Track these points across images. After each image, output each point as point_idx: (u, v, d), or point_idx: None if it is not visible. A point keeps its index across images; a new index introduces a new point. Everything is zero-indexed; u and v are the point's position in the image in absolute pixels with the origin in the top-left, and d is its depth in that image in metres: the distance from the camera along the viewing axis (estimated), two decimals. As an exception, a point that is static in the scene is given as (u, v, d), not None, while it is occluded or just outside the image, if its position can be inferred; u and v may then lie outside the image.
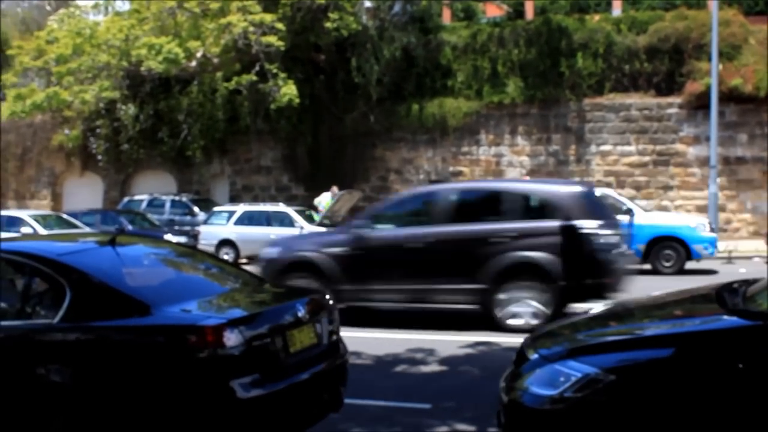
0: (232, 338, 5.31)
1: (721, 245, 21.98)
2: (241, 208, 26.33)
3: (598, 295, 11.42)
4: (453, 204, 12.73)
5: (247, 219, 25.63)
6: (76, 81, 30.44)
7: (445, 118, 29.90)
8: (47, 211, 26.80)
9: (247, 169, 32.83)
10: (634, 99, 28.58)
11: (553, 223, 11.73)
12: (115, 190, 34.06)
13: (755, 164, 27.00)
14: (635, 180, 28.30)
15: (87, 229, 23.00)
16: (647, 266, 19.57)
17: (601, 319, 5.94)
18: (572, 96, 29.01)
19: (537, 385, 4.99)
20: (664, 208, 26.99)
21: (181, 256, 7.11)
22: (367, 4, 32.12)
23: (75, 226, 22.83)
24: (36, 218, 23.78)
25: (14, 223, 23.27)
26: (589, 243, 11.52)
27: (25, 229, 22.62)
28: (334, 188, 27.46)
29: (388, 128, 30.65)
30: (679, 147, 27.97)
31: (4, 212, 26.57)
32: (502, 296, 11.71)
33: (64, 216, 25.29)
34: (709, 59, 25.65)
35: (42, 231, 22.18)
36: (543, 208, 12.25)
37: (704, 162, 26.67)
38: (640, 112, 28.39)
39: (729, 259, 21.90)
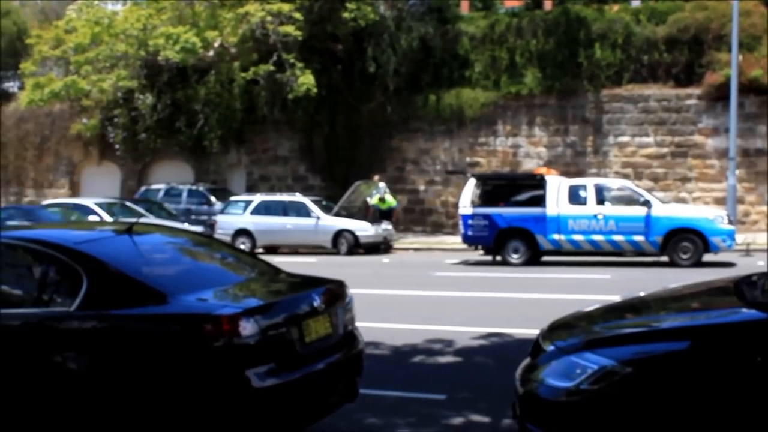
0: (247, 327, 5.31)
1: (740, 237, 21.87)
2: (257, 198, 26.42)
3: None
4: None
5: (264, 209, 25.72)
6: (94, 70, 30.58)
7: (462, 108, 29.83)
8: (112, 199, 26.94)
9: (264, 159, 32.87)
10: (652, 90, 28.42)
11: None
12: (133, 180, 34.17)
13: (775, 156, 26.80)
14: (653, 172, 28.16)
15: (151, 217, 23.18)
16: (665, 258, 19.52)
17: (618, 311, 5.91)
18: (590, 87, 28.87)
19: (553, 377, 4.97)
20: (682, 200, 26.85)
21: (197, 246, 7.11)
22: (385, -7, 32.07)
23: (139, 214, 22.86)
24: (101, 206, 23.98)
25: (82, 211, 23.54)
26: None
27: (92, 217, 22.83)
28: (375, 177, 27.64)
29: (405, 119, 30.62)
30: (698, 138, 27.80)
31: (71, 200, 26.88)
32: None
33: (128, 204, 25.47)
34: (729, 50, 25.46)
35: (108, 219, 22.37)
36: None
37: (723, 154, 26.50)
38: (658, 103, 28.22)
39: (747, 252, 21.78)
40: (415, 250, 26.30)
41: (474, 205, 21.20)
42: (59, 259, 5.85)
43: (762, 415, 4.45)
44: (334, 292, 6.43)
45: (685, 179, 27.85)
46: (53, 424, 5.55)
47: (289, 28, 28.25)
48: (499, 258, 20.98)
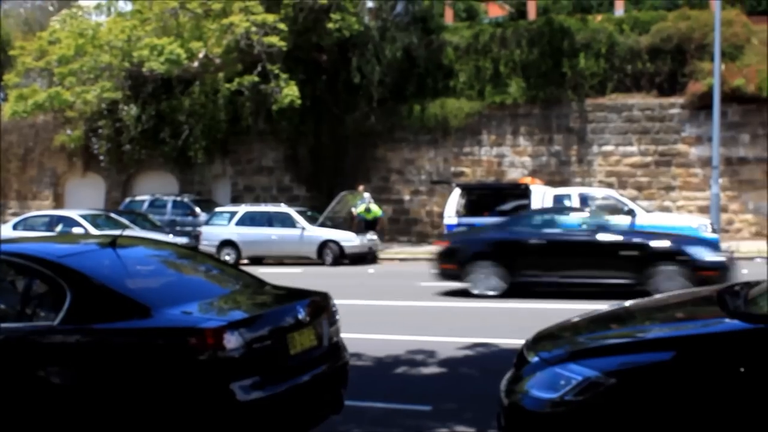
0: (232, 340, 5.30)
1: (723, 246, 21.92)
2: (242, 209, 26.37)
3: None
4: None
5: (249, 220, 25.67)
6: (78, 81, 30.44)
7: (446, 118, 29.88)
8: (97, 210, 26.83)
9: (249, 170, 32.84)
10: (636, 99, 28.56)
11: None
12: (117, 191, 34.06)
13: (757, 165, 26.95)
14: (637, 180, 28.28)
15: (136, 229, 23.09)
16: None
17: (602, 321, 5.92)
18: (574, 96, 28.98)
19: (537, 388, 4.97)
20: (666, 209, 26.95)
21: (181, 258, 7.10)
22: (369, 4, 32.14)
23: (124, 226, 22.74)
24: (86, 217, 23.88)
25: (66, 223, 23.45)
26: None
27: (76, 229, 22.73)
28: (360, 187, 27.62)
29: (389, 129, 30.63)
30: (681, 147, 27.94)
31: (56, 212, 26.73)
32: None
33: (113, 215, 25.39)
34: (712, 59, 25.62)
35: (93, 231, 22.25)
36: None
37: (706, 162, 26.63)
38: (642, 112, 28.36)
39: (731, 261, 21.82)
40: (401, 260, 26.27)
41: (459, 215, 21.27)
42: (42, 273, 5.83)
43: (745, 425, 4.47)
44: (319, 303, 6.43)
45: (668, 188, 27.98)
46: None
47: (274, 39, 28.24)
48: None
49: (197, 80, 30.71)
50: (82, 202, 32.52)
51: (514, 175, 29.01)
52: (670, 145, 28.04)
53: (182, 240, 23.13)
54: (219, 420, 5.24)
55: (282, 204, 27.25)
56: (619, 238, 15.52)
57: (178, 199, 30.35)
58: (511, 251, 15.80)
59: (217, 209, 27.52)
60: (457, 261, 15.94)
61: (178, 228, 27.16)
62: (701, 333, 5.01)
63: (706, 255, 15.14)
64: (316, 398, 6.07)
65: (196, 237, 25.31)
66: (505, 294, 15.60)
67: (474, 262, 15.54)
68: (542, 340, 5.63)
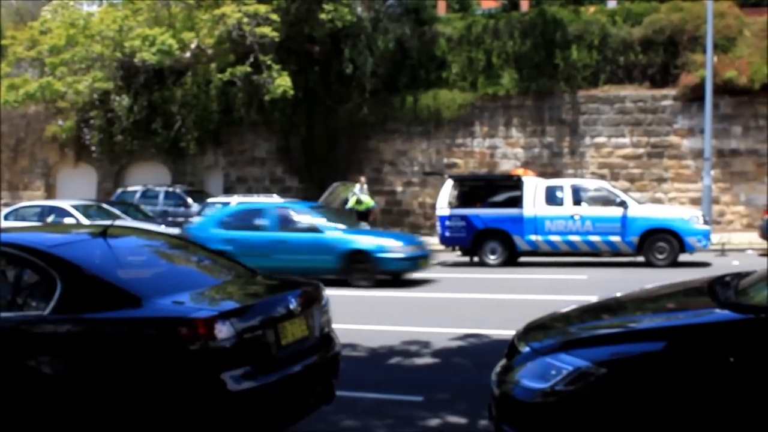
0: (223, 330, 5.29)
1: (715, 238, 22.01)
2: (235, 200, 26.29)
3: None
4: None
5: (241, 210, 25.56)
6: (70, 72, 30.33)
7: (439, 109, 29.86)
8: (88, 201, 26.75)
9: (241, 161, 32.79)
10: (628, 91, 28.57)
11: None
12: (109, 182, 33.97)
13: (749, 156, 27.02)
14: (629, 172, 28.31)
15: (128, 219, 23.05)
16: (640, 258, 19.62)
17: (594, 312, 5.92)
18: (567, 88, 28.99)
19: (528, 378, 4.98)
20: (658, 201, 27.02)
21: (173, 248, 7.08)
22: (362, -5, 32.06)
23: (116, 216, 22.68)
24: (77, 208, 23.84)
25: (58, 213, 23.43)
26: None
27: (68, 220, 22.68)
28: (362, 178, 27.58)
29: (382, 120, 30.62)
30: (674, 139, 27.98)
31: (47, 202, 26.66)
32: None
33: (104, 206, 25.35)
34: (704, 51, 25.65)
35: (84, 221, 22.20)
36: None
37: (698, 154, 26.68)
38: (634, 104, 28.38)
39: (722, 252, 21.95)
40: (393, 251, 26.23)
41: (451, 206, 21.24)
42: (33, 263, 5.80)
43: (735, 415, 4.48)
44: (311, 294, 6.43)
45: (660, 180, 28.02)
46: (28, 429, 5.51)
47: (266, 30, 28.17)
48: (476, 259, 21.03)
49: (189, 71, 30.63)
50: (74, 193, 32.40)
51: (506, 166, 29.02)
52: (662, 136, 28.09)
53: (174, 230, 23.05)
54: (210, 410, 5.23)
55: (274, 195, 27.19)
56: None
57: (170, 189, 30.26)
58: None
59: (210, 200, 27.44)
60: None
61: (170, 219, 27.07)
62: (692, 323, 5.03)
63: None
64: (307, 388, 6.07)
65: (188, 228, 25.22)
66: (497, 284, 15.61)
67: None
68: (533, 330, 5.64)
